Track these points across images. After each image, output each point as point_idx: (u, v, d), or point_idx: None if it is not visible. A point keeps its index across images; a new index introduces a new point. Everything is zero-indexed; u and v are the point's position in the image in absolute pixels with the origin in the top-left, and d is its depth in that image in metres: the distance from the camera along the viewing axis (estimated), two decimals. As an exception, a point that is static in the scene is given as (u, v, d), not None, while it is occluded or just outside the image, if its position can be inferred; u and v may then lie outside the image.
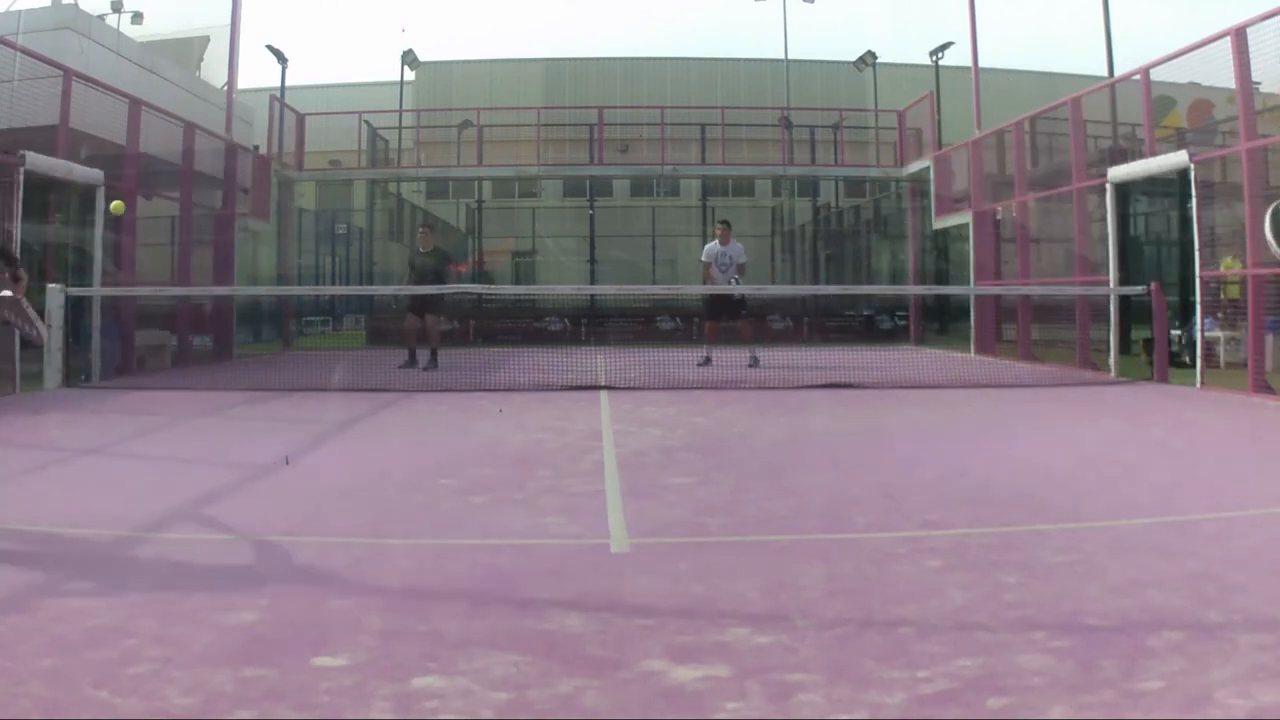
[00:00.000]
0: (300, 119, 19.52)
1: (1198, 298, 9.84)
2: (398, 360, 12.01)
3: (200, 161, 13.71)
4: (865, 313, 21.00)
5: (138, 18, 22.37)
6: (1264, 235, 5.70)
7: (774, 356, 13.19)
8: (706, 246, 12.43)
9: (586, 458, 5.60)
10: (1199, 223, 9.59)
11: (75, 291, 9.98)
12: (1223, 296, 9.76)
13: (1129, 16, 57.09)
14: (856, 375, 10.16)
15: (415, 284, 11.68)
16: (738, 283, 12.21)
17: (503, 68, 33.30)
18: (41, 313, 9.50)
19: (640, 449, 5.91)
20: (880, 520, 4.07)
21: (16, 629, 2.65)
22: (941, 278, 19.63)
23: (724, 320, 12.47)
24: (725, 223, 12.83)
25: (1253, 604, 2.85)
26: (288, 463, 5.37)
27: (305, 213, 22.26)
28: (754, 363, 11.90)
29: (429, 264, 12.02)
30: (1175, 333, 11.96)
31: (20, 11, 15.26)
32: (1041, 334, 13.28)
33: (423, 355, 12.07)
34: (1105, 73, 19.96)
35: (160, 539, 3.72)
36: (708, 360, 12.02)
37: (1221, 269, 9.76)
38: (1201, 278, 9.68)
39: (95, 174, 10.57)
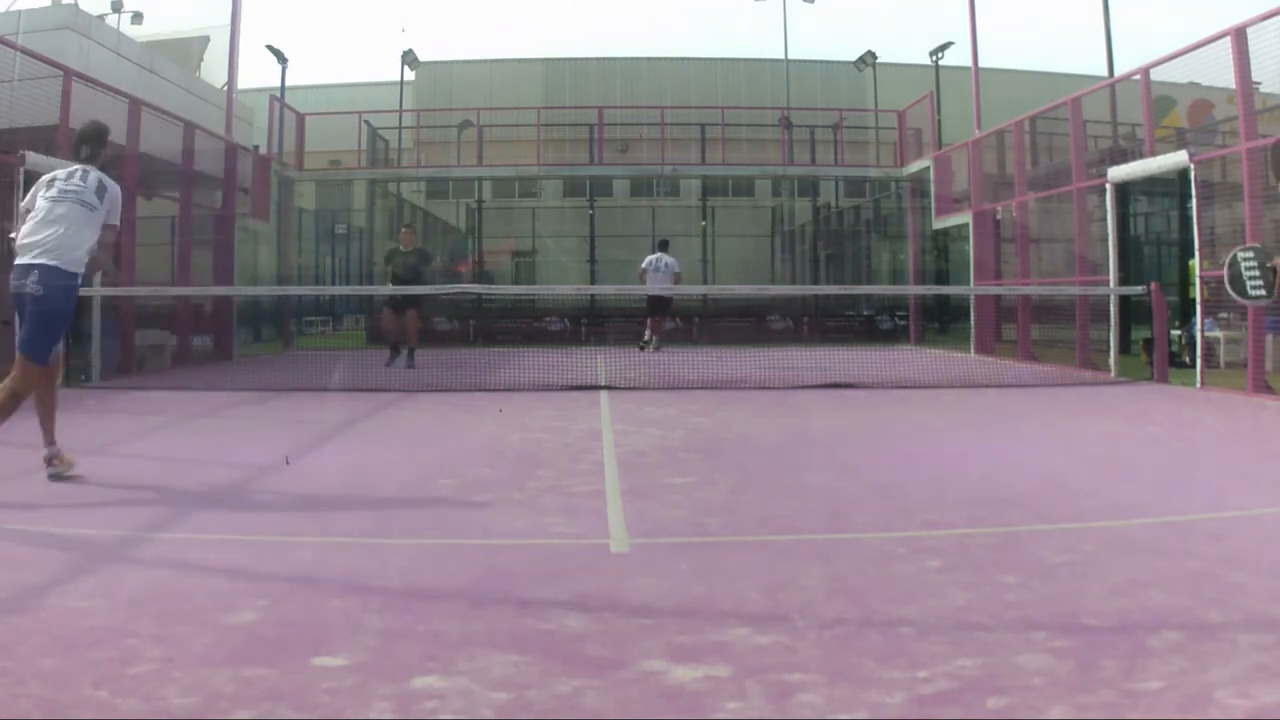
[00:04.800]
0: (300, 119, 19.52)
1: (1198, 298, 9.84)
2: (384, 362, 12.26)
3: (200, 161, 13.71)
4: (865, 313, 21.01)
5: (138, 18, 22.37)
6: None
7: (774, 356, 13.20)
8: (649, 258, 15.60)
9: (586, 458, 5.60)
10: (1199, 223, 9.59)
11: (75, 291, 9.96)
12: (1191, 295, 9.73)
13: (1129, 16, 57.15)
14: (856, 375, 10.16)
15: (395, 283, 12.05)
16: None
17: (503, 68, 33.28)
18: None
19: (640, 449, 5.91)
20: (880, 520, 4.07)
21: (16, 629, 2.65)
22: (941, 278, 19.64)
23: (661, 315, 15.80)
24: (665, 241, 16.36)
25: (1253, 604, 2.85)
26: (288, 463, 5.37)
27: (305, 213, 22.25)
28: (654, 346, 15.04)
29: (410, 263, 12.34)
30: (1175, 333, 11.96)
31: (20, 11, 15.27)
32: (1041, 334, 13.29)
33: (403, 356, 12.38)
34: (1105, 73, 19.98)
35: (160, 539, 3.72)
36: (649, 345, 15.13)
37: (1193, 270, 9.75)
38: (1202, 277, 9.68)
39: (95, 174, 10.55)
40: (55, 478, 4.90)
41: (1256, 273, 5.69)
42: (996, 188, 15.06)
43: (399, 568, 3.35)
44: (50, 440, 5.03)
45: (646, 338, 15.50)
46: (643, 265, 15.44)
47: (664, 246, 16.02)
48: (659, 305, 15.58)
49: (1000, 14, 41.39)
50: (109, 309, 10.94)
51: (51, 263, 4.89)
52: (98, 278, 10.69)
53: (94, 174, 5.21)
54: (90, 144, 5.37)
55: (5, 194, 9.00)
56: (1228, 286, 5.74)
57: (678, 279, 15.44)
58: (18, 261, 4.96)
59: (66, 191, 5.10)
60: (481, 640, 2.57)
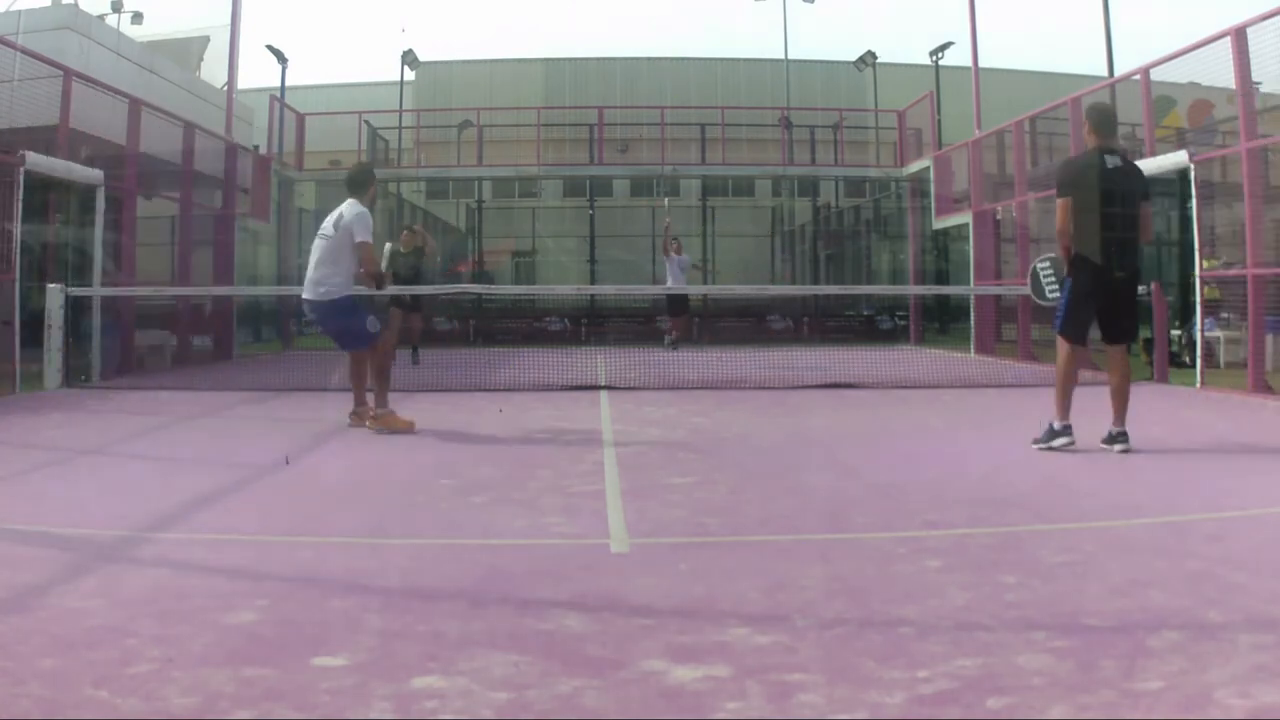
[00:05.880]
0: (300, 119, 19.53)
1: (1198, 298, 9.84)
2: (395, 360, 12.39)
3: (200, 161, 13.70)
4: (865, 313, 21.01)
5: (138, 18, 22.36)
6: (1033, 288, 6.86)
7: (774, 357, 13.21)
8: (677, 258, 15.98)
9: (586, 458, 5.60)
10: (1199, 223, 9.59)
11: (75, 291, 9.97)
12: (1195, 297, 9.82)
13: (1129, 16, 57.14)
14: (856, 375, 10.15)
15: (396, 284, 12.20)
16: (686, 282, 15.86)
17: (503, 68, 33.29)
18: (41, 313, 9.54)
19: (640, 449, 5.92)
20: (880, 520, 4.07)
21: (16, 629, 2.65)
22: (941, 278, 19.63)
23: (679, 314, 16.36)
24: (677, 239, 16.33)
25: (1253, 604, 2.85)
26: (288, 463, 5.37)
27: (305, 213, 22.24)
28: (674, 345, 15.33)
29: (410, 263, 12.69)
30: (1175, 333, 11.96)
31: (20, 11, 15.26)
32: (1041, 334, 13.27)
33: (403, 354, 12.60)
34: (1105, 73, 19.95)
35: (160, 539, 3.72)
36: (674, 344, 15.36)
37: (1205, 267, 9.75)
38: (1201, 278, 9.67)
39: (95, 174, 10.56)
40: (378, 431, 6.55)
41: (1053, 278, 6.63)
42: (996, 188, 15.06)
43: (399, 568, 3.35)
44: (381, 404, 6.71)
45: (671, 338, 15.88)
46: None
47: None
48: (673, 304, 16.14)
49: (1000, 14, 41.39)
50: (109, 309, 10.95)
51: (311, 297, 6.65)
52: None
53: (342, 208, 6.68)
54: (348, 185, 6.92)
55: (5, 194, 9.00)
56: (1030, 293, 6.76)
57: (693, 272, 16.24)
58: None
59: (320, 232, 6.75)
60: (481, 640, 2.57)
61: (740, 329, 19.87)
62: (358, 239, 6.61)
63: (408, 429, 6.56)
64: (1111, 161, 5.69)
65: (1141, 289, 11.17)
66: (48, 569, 3.26)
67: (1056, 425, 5.60)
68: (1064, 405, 5.63)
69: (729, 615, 2.78)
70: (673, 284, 15.33)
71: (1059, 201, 5.77)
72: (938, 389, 9.62)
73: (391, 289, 12.53)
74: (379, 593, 3.02)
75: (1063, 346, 5.80)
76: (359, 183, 6.92)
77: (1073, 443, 5.53)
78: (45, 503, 4.45)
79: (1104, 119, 5.83)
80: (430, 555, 3.56)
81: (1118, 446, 5.57)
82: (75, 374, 9.94)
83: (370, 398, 6.82)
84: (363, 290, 7.14)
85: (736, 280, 22.08)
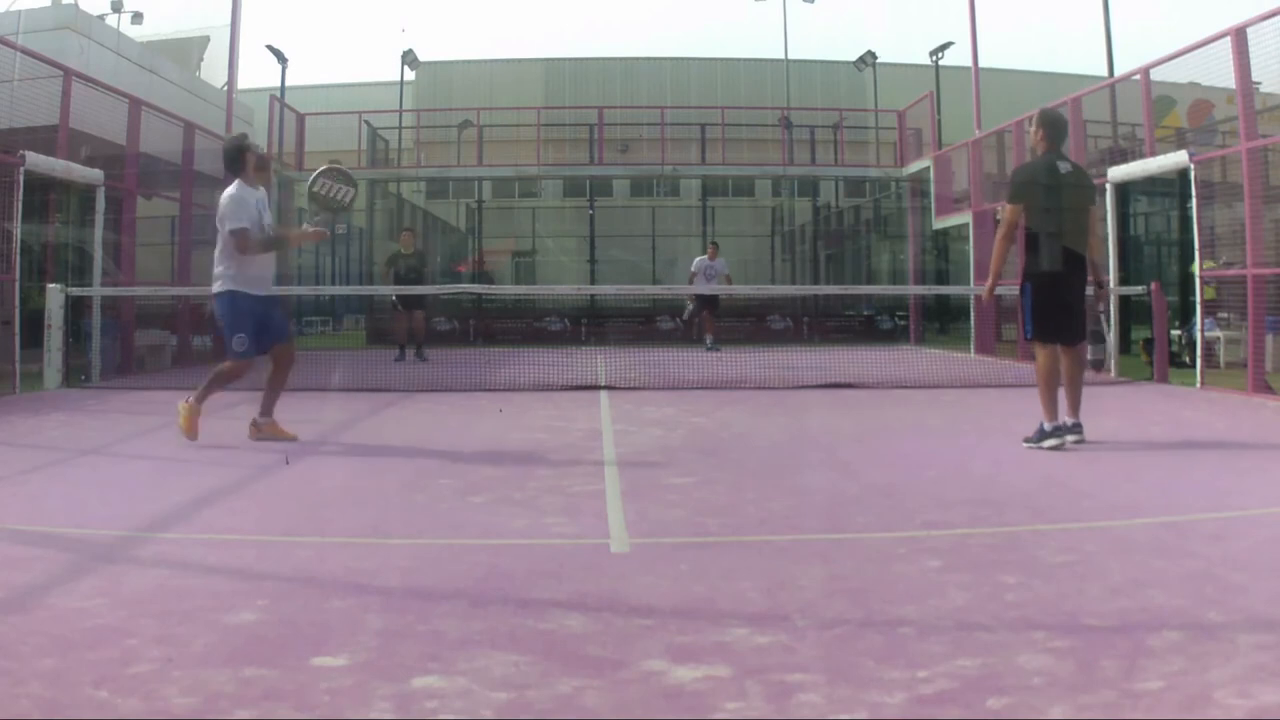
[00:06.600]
0: (300, 119, 19.53)
1: (1198, 298, 9.84)
2: (393, 358, 12.91)
3: (200, 161, 13.69)
4: (865, 313, 21.02)
5: (138, 18, 22.42)
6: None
7: (774, 357, 13.21)
8: (697, 260, 16.07)
9: (586, 458, 5.60)
10: (1199, 223, 9.59)
11: (75, 291, 9.97)
12: (1195, 298, 9.83)
13: (1129, 16, 57.15)
14: (856, 375, 10.15)
15: (397, 283, 12.85)
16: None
17: (503, 68, 33.32)
18: (41, 313, 9.54)
19: (640, 449, 5.91)
20: (880, 520, 4.07)
21: (16, 629, 2.65)
22: (941, 278, 19.63)
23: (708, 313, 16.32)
24: (715, 243, 16.62)
25: (1253, 604, 2.85)
26: (288, 463, 5.38)
27: (305, 212, 22.25)
28: (714, 347, 15.08)
29: (412, 265, 13.24)
30: (1175, 333, 11.96)
31: (20, 11, 15.27)
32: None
33: (409, 351, 13.27)
34: (1105, 73, 19.94)
35: (160, 539, 3.72)
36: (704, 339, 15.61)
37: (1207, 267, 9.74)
38: (1201, 277, 9.67)
39: (95, 174, 10.56)
40: (256, 439, 6.21)
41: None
42: (996, 188, 15.05)
43: (399, 568, 3.35)
44: (265, 412, 6.32)
45: (709, 343, 15.83)
46: (691, 269, 16.06)
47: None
48: (707, 303, 16.16)
49: (1000, 14, 41.50)
50: (109, 309, 10.95)
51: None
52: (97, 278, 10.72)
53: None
54: (224, 164, 6.18)
55: (5, 194, 9.00)
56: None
57: (726, 280, 16.18)
58: None
59: None
60: (481, 640, 2.57)
61: (740, 329, 19.87)
62: (227, 228, 5.84)
63: (192, 434, 6.08)
64: (1064, 167, 5.89)
65: (1140, 289, 11.29)
66: (48, 569, 3.26)
67: (1047, 427, 5.72)
68: (1050, 407, 5.75)
69: (729, 615, 2.78)
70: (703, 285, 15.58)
71: (1009, 206, 5.92)
72: (938, 389, 9.62)
73: (391, 289, 12.81)
74: (379, 593, 3.02)
75: (1038, 351, 5.94)
76: (229, 159, 6.13)
77: (1061, 445, 5.64)
78: (45, 503, 4.45)
79: (1057, 126, 6.03)
80: (430, 555, 3.56)
81: (1070, 438, 5.69)
82: (75, 374, 9.94)
83: (287, 409, 6.47)
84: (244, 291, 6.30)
85: (736, 280, 22.06)
